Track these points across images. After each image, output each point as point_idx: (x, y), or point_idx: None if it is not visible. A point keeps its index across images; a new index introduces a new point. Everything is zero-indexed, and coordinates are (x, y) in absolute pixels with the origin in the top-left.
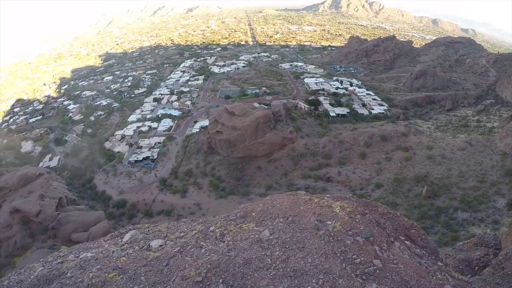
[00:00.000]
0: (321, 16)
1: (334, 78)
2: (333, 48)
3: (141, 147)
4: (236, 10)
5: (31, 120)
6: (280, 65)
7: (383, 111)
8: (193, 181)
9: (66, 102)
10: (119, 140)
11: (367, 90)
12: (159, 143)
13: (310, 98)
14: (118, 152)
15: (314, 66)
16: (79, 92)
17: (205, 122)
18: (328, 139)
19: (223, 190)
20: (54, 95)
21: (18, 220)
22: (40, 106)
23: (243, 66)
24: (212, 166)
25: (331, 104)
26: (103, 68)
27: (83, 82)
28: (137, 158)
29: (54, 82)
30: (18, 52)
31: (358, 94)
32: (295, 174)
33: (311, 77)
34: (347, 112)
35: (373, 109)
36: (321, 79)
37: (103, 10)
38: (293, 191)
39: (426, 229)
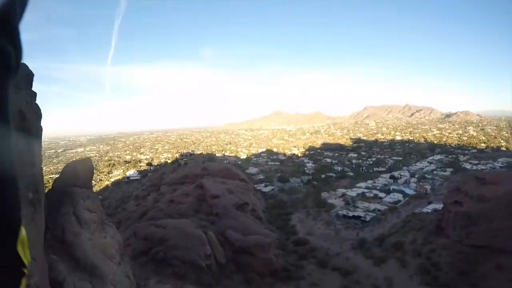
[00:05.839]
0: None
1: None
2: None
3: (357, 207)
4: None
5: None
6: None
7: None
8: (399, 256)
9: (306, 160)
10: (338, 196)
11: None
12: (378, 210)
13: None
14: (331, 203)
15: None
16: (320, 157)
17: (441, 206)
18: None
19: (435, 279)
20: (299, 154)
21: None
22: (282, 158)
23: (500, 167)
24: (431, 247)
25: None
26: (351, 147)
27: (328, 152)
28: (347, 213)
29: (303, 147)
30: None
31: None
32: None
33: None
34: None
35: None
36: None
37: (364, 103)
38: None
39: None
